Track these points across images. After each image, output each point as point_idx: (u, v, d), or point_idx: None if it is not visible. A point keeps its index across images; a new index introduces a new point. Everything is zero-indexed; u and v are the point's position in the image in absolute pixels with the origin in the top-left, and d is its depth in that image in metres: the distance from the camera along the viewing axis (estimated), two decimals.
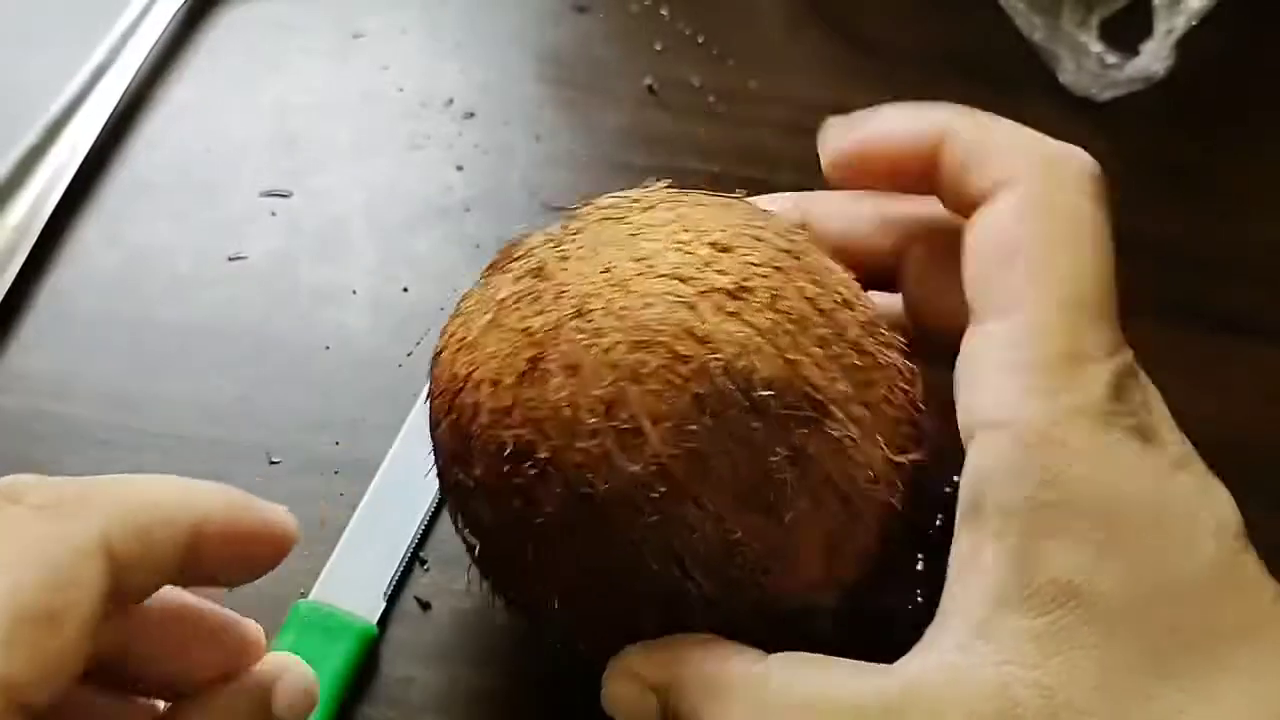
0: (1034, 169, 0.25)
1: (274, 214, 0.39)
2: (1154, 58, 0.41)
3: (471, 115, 0.42)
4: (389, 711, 0.30)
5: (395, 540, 0.32)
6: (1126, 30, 0.42)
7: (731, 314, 0.23)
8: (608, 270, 0.24)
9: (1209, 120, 0.43)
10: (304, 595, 0.31)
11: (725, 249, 0.24)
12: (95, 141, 0.39)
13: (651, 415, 0.22)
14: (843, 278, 0.26)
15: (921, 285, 0.28)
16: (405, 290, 0.38)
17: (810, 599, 0.24)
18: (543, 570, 0.24)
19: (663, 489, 0.22)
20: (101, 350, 0.36)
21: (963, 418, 0.24)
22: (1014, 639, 0.22)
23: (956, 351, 0.25)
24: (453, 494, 0.26)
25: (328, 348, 0.36)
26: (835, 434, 0.23)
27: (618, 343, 0.23)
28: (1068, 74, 0.43)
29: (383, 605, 0.31)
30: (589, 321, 0.23)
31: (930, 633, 0.23)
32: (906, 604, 0.28)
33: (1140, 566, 0.22)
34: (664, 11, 0.45)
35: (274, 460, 0.34)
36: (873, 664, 0.23)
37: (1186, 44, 0.41)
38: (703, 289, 0.23)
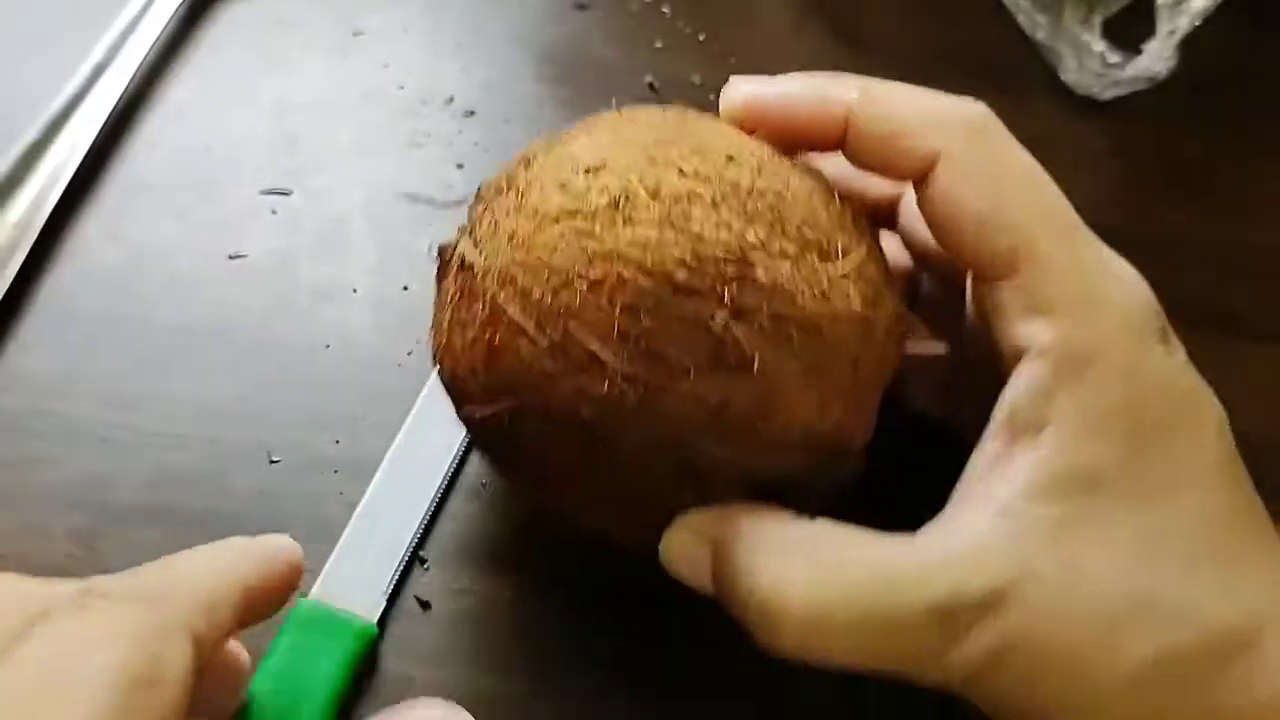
0: (958, 134, 0.27)
1: (274, 212, 0.39)
2: (1156, 58, 0.41)
3: (472, 113, 0.42)
4: None
5: (396, 539, 0.32)
6: (1129, 29, 0.42)
7: (625, 222, 0.25)
8: (512, 237, 0.26)
9: (1210, 120, 0.43)
10: (304, 594, 0.31)
11: (600, 168, 0.26)
12: (95, 140, 0.39)
13: (598, 340, 0.25)
14: (723, 132, 0.27)
15: (915, 228, 0.30)
16: (406, 289, 0.38)
17: (820, 429, 0.26)
18: (586, 502, 0.27)
19: (635, 395, 0.25)
20: (101, 349, 0.36)
21: (1006, 352, 0.26)
22: (1038, 522, 0.24)
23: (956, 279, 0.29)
24: (497, 477, 0.31)
25: (328, 347, 0.36)
26: (765, 278, 0.25)
27: (543, 294, 0.25)
28: (1070, 73, 0.43)
29: (383, 604, 0.31)
30: (515, 288, 0.25)
31: (955, 515, 0.25)
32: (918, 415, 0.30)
33: (1160, 459, 0.25)
34: (665, 9, 0.45)
35: (274, 459, 0.34)
36: (906, 535, 0.25)
37: (1188, 43, 0.41)
38: (591, 212, 0.25)
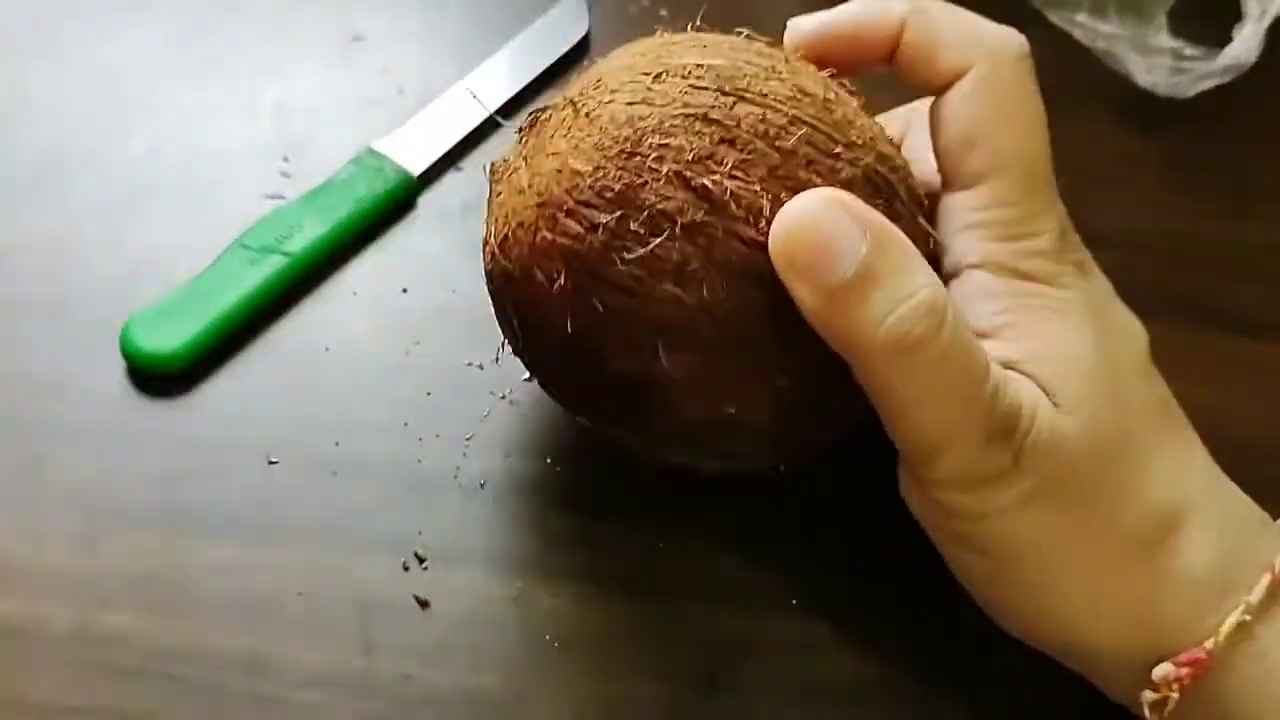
0: (983, 59, 0.29)
1: None
2: (1249, 45, 0.39)
3: None
4: (389, 710, 0.30)
5: None
6: (1189, 23, 0.42)
7: (608, 102, 0.28)
8: (551, 151, 0.28)
9: (1211, 118, 0.43)
10: None
11: (599, 80, 0.29)
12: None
13: (618, 207, 0.27)
14: (714, 39, 0.29)
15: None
16: (405, 291, 0.38)
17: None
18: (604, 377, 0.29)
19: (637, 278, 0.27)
20: (102, 353, 0.36)
21: (947, 263, 0.29)
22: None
23: None
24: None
25: (327, 348, 0.36)
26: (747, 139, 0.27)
27: (546, 224, 0.28)
28: (1143, 76, 0.41)
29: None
30: (545, 210, 0.28)
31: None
32: None
33: (1104, 358, 0.28)
34: (663, 12, 0.45)
35: (272, 461, 0.34)
36: None
37: None
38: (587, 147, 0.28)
